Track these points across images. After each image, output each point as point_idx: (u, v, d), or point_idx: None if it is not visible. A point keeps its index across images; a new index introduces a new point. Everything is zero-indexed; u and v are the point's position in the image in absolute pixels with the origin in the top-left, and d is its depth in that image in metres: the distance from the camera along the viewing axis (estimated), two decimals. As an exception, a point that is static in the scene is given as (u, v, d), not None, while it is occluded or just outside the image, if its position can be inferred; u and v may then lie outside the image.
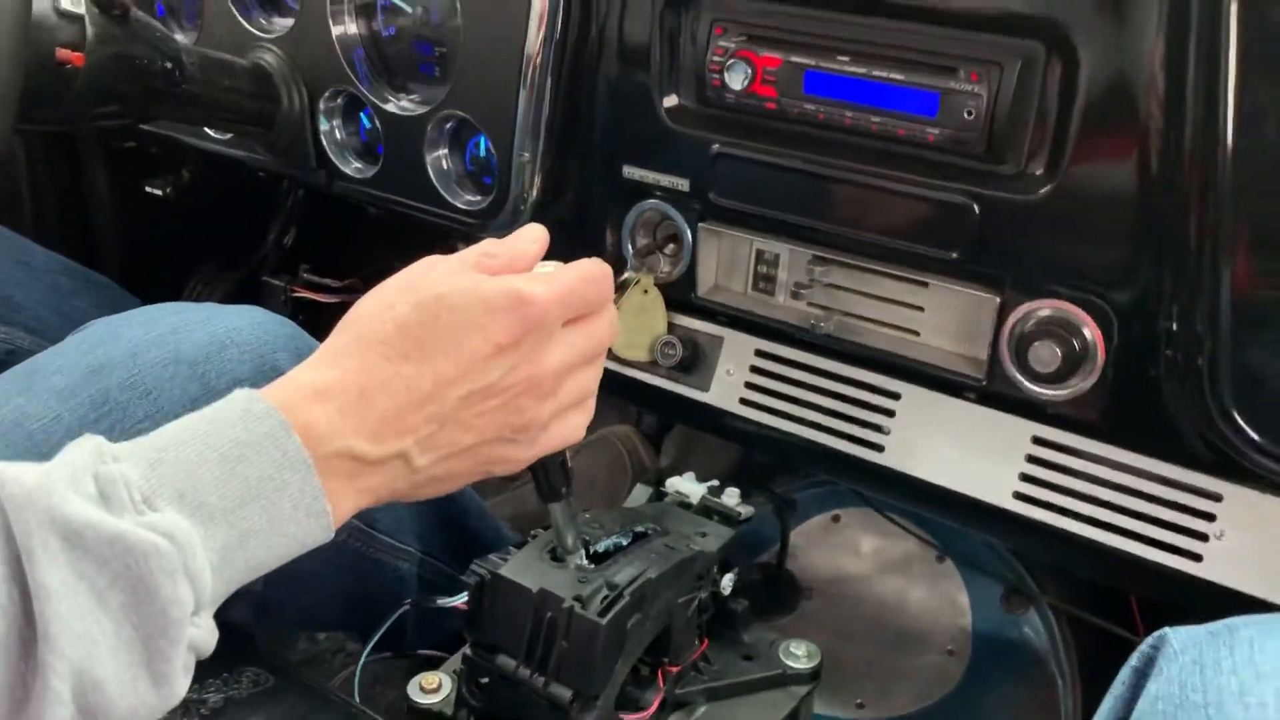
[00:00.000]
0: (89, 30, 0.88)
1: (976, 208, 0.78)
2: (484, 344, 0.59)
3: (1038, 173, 0.76)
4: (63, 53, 0.86)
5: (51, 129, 0.91)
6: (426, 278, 0.62)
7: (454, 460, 0.62)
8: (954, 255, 0.80)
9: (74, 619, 0.46)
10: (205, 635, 0.51)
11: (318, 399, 0.57)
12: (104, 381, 0.80)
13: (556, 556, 0.76)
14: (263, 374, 0.83)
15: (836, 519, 1.22)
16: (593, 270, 0.66)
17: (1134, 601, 1.11)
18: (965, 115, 0.76)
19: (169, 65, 0.97)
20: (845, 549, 1.22)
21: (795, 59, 0.82)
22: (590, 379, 0.66)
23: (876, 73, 0.79)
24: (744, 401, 0.96)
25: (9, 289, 1.14)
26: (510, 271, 0.65)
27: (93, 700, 0.47)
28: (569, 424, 0.66)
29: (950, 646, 1.17)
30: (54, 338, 0.90)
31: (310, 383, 0.58)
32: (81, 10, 0.87)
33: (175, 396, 0.80)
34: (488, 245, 0.65)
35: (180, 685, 0.50)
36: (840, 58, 0.80)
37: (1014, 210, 0.77)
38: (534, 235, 0.68)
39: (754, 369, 0.96)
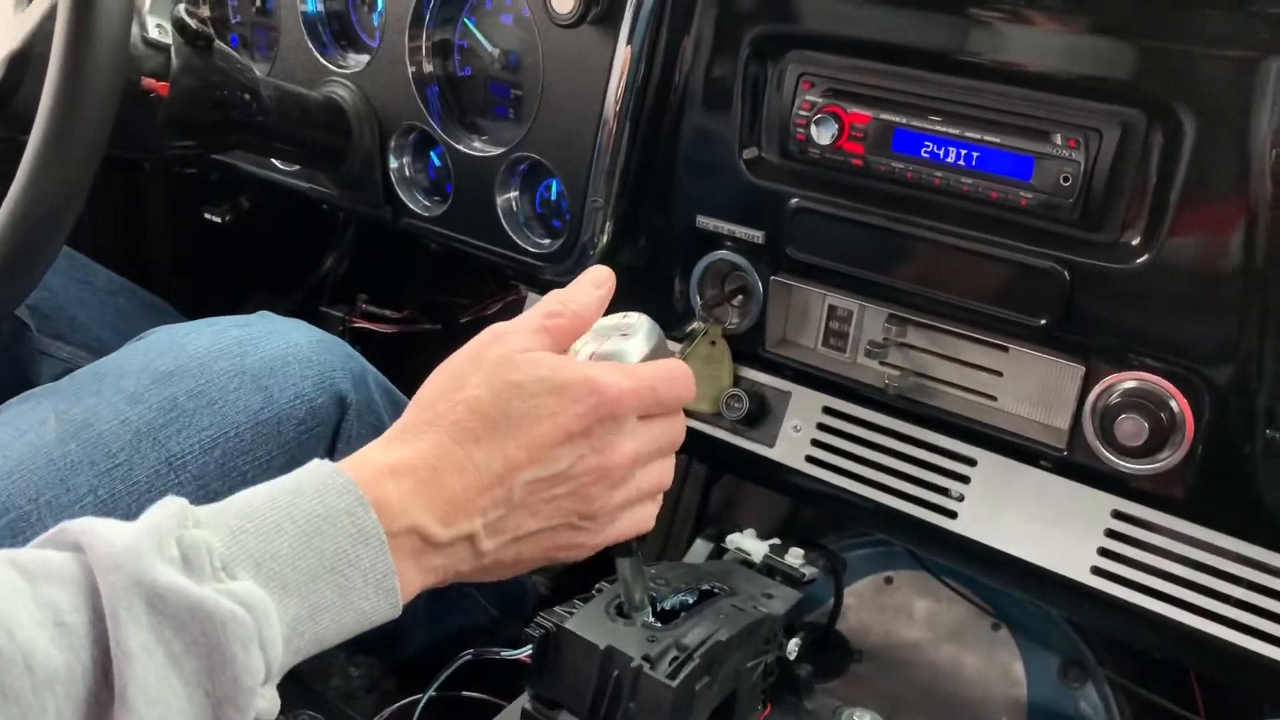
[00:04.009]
0: (174, 60, 0.88)
1: (1067, 275, 0.76)
2: (555, 431, 0.59)
3: (1134, 242, 0.74)
4: (148, 82, 0.86)
5: (130, 155, 0.91)
6: (492, 352, 0.62)
7: (520, 545, 0.61)
8: (1041, 322, 0.78)
9: (150, 683, 0.46)
10: (270, 706, 0.51)
11: (392, 476, 0.57)
12: (172, 389, 0.83)
13: (623, 612, 0.74)
14: (322, 390, 0.88)
15: (889, 580, 1.20)
16: (675, 370, 0.66)
17: (1194, 679, 1.08)
18: (1061, 181, 0.74)
19: (247, 97, 0.97)
20: (898, 612, 1.19)
21: (885, 116, 0.81)
22: (664, 472, 0.66)
23: (969, 134, 0.77)
24: (810, 459, 0.94)
25: (72, 308, 1.15)
26: (577, 327, 0.65)
27: None
28: (640, 514, 0.66)
29: (1005, 718, 1.14)
30: None
31: (385, 461, 0.58)
32: (168, 40, 0.88)
33: (239, 406, 0.84)
34: (551, 303, 0.65)
35: None
36: (932, 117, 0.79)
37: (1106, 279, 0.75)
38: (598, 279, 0.67)
39: (822, 426, 0.94)
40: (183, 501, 0.52)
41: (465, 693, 0.96)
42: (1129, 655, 1.12)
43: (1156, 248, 0.73)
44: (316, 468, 0.56)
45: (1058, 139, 0.75)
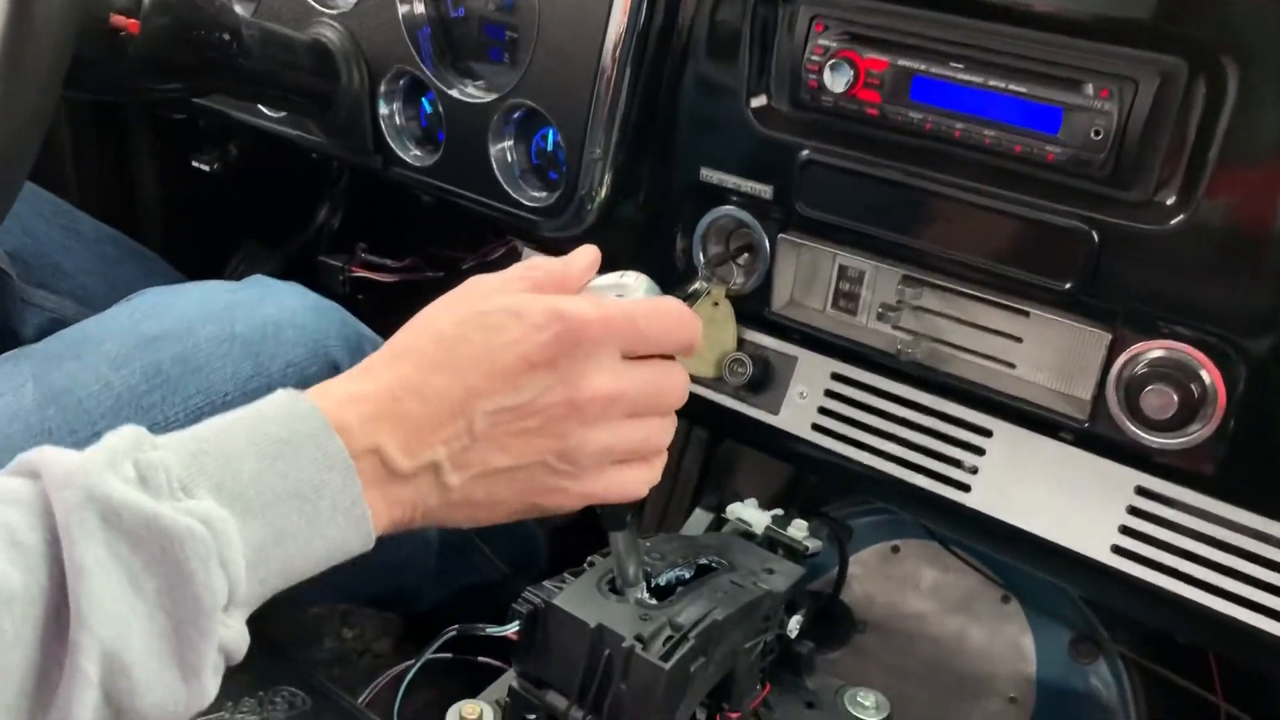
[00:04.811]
0: (146, -4, 0.83)
1: (1095, 236, 0.71)
2: (516, 359, 0.57)
3: (1168, 201, 0.69)
4: (117, 19, 0.81)
5: (102, 98, 0.87)
6: (466, 294, 0.61)
7: (492, 482, 0.59)
8: (1065, 286, 0.74)
9: (106, 599, 0.45)
10: (236, 638, 0.49)
11: (352, 403, 0.55)
12: (157, 353, 0.80)
13: (615, 588, 0.71)
14: (315, 358, 0.85)
15: (896, 549, 1.16)
16: (663, 305, 0.62)
17: (1213, 658, 1.04)
18: (1091, 134, 0.69)
19: (227, 38, 0.92)
20: (904, 582, 1.15)
21: (903, 62, 0.75)
22: (657, 431, 0.63)
23: (993, 82, 0.72)
24: (816, 427, 0.90)
25: (57, 256, 1.12)
26: (555, 286, 0.63)
27: (120, 685, 0.46)
28: (628, 475, 0.62)
29: (1012, 693, 1.11)
30: (100, 307, 0.91)
31: (345, 391, 0.57)
32: (139, -26, 0.83)
33: (227, 374, 0.81)
34: (533, 259, 0.64)
35: (209, 686, 0.49)
36: (953, 64, 0.74)
37: (1138, 241, 0.70)
38: (583, 253, 0.66)
39: (829, 393, 0.90)
40: (141, 429, 0.51)
41: (474, 657, 0.94)
42: (1143, 631, 1.09)
43: (1192, 208, 0.68)
44: (281, 395, 0.55)
45: (1089, 89, 0.69)
